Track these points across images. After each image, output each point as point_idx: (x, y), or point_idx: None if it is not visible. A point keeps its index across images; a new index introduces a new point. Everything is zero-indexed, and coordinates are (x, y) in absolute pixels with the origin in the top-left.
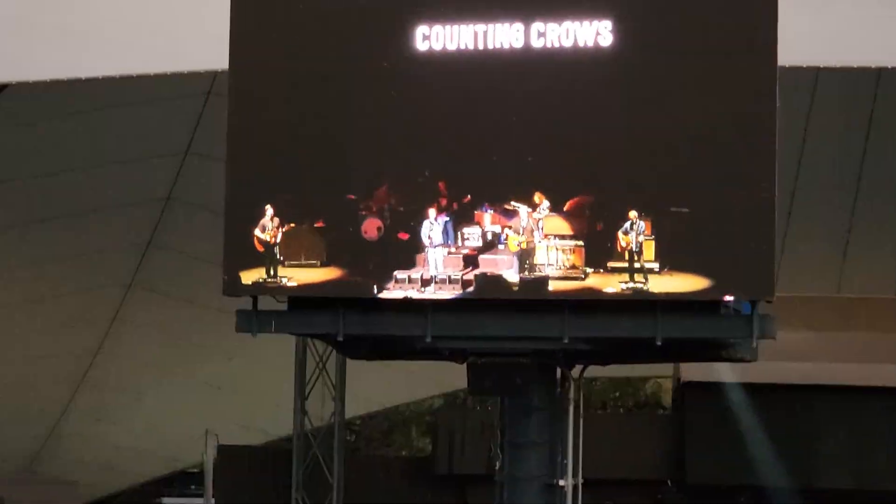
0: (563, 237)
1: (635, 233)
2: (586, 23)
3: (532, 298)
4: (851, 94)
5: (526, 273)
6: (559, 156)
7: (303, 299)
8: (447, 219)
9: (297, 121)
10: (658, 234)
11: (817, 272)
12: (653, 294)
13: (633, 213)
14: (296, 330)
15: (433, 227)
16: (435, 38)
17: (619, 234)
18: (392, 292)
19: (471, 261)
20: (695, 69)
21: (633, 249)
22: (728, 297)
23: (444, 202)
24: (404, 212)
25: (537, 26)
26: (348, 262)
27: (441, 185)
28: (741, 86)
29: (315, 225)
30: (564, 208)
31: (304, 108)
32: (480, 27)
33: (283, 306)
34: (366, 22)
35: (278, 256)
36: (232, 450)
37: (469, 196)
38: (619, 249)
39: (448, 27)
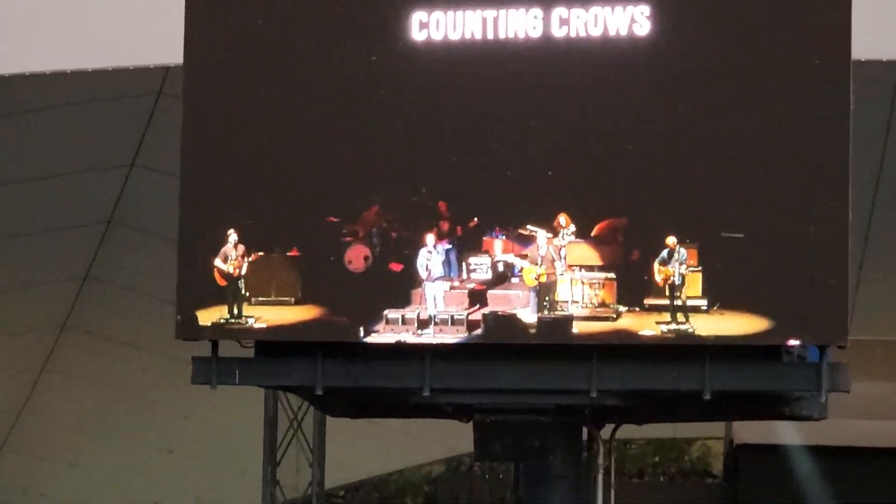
0: (590, 268)
1: (677, 262)
2: (619, 8)
3: (553, 343)
4: None
5: (545, 312)
6: (586, 169)
7: (274, 344)
8: (449, 246)
9: (266, 128)
10: (706, 264)
11: None
12: (700, 338)
13: (671, 240)
14: (265, 381)
15: (432, 256)
16: (434, 25)
17: (656, 264)
18: (382, 335)
19: (478, 297)
20: (751, 65)
21: (675, 283)
22: (792, 342)
23: (445, 226)
24: (397, 238)
25: (559, 12)
26: (329, 298)
27: (442, 205)
28: (807, 85)
29: (288, 254)
30: (592, 233)
31: (274, 112)
32: (490, 13)
33: (250, 352)
34: (350, 7)
35: (243, 292)
36: None
37: (476, 219)
38: (658, 283)
39: (450, 13)
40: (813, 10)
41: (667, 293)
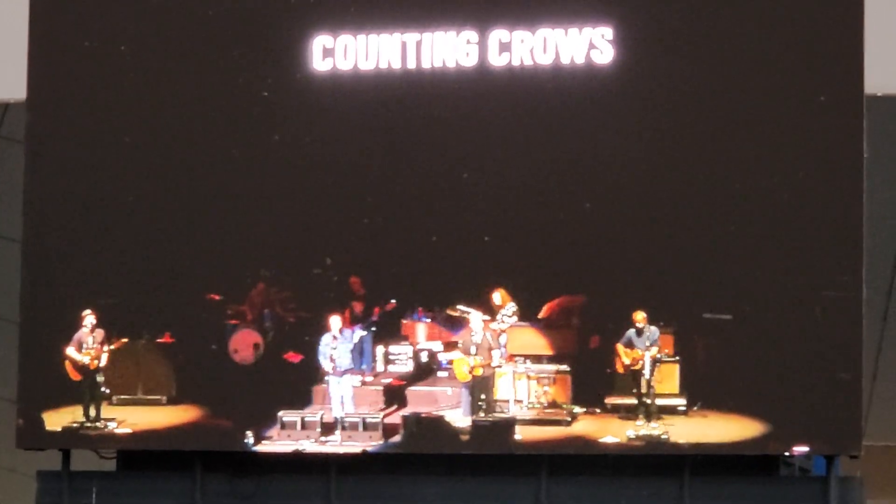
0: (538, 359)
1: (647, 342)
2: (574, 31)
3: (491, 453)
4: None
5: (481, 414)
6: (531, 233)
7: (141, 454)
8: (362, 332)
9: (130, 183)
10: (684, 353)
11: None
12: (677, 446)
13: (640, 315)
14: (130, 502)
15: (338, 343)
16: (341, 52)
17: (620, 346)
18: (276, 443)
19: (396, 395)
20: (743, 100)
21: (644, 372)
22: (795, 450)
23: (357, 307)
24: (295, 321)
25: (498, 35)
26: (210, 397)
27: (353, 280)
28: (813, 125)
29: (159, 340)
30: (540, 315)
31: (139, 163)
32: (411, 37)
33: (112, 465)
34: (235, 32)
35: (103, 389)
36: None
37: (394, 299)
38: (621, 370)
39: (361, 37)
40: (820, 40)
41: (634, 388)
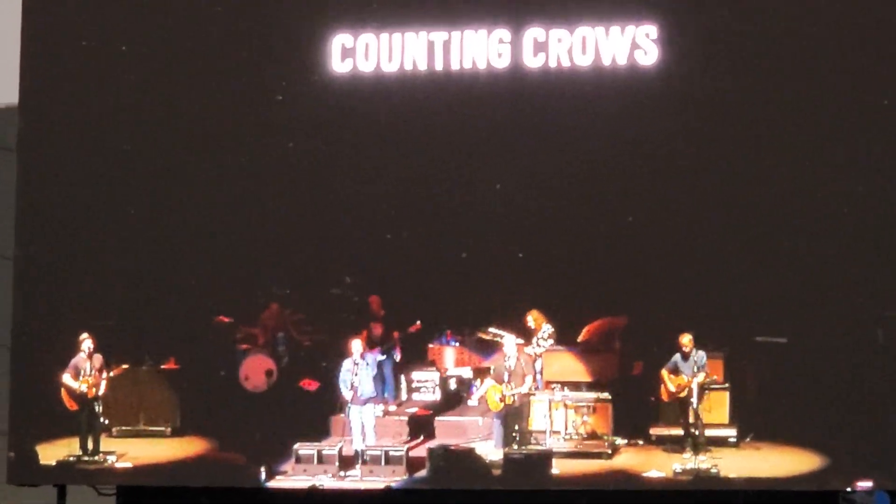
0: (576, 386)
1: (694, 367)
2: (615, 29)
3: (525, 489)
4: None
5: (515, 447)
6: (569, 249)
7: (142, 491)
8: (382, 356)
9: (131, 195)
10: (734, 380)
11: None
12: (728, 481)
13: (686, 338)
14: None
15: (360, 369)
16: (363, 53)
17: (664, 372)
18: (291, 479)
19: (422, 426)
20: (799, 108)
21: (692, 402)
22: (857, 485)
23: (377, 330)
24: (311, 345)
25: (533, 34)
26: (218, 428)
27: (374, 300)
28: (876, 136)
29: (163, 367)
30: (579, 338)
31: (142, 174)
32: (439, 35)
33: (111, 501)
34: (247, 30)
35: (101, 419)
36: None
37: (419, 320)
38: (665, 398)
39: (384, 35)
40: (883, 38)
41: (681, 418)
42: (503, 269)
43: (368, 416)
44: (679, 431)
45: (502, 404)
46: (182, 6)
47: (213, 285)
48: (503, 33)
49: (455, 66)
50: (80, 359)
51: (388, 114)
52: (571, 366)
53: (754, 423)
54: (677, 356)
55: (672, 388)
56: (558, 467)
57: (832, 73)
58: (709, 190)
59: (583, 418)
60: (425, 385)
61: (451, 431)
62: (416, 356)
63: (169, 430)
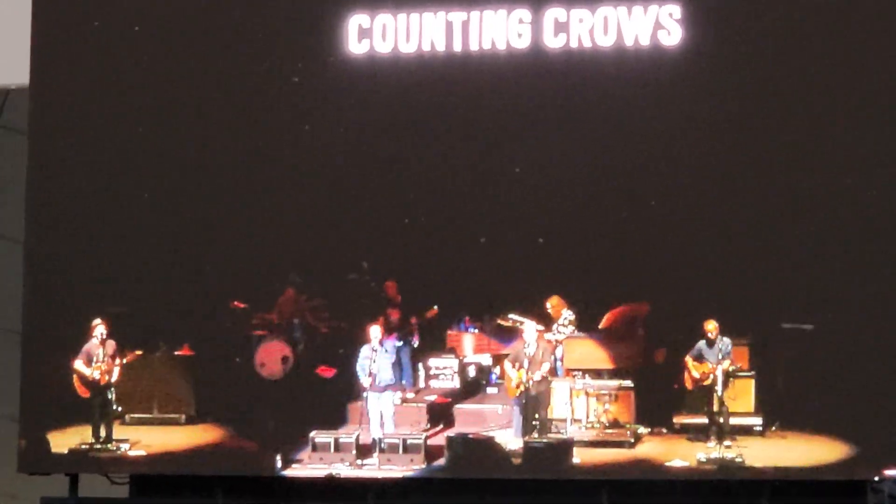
0: (598, 374)
1: (719, 354)
2: (638, 9)
3: (546, 478)
4: None
5: (535, 435)
6: (590, 234)
7: (156, 480)
8: (400, 343)
9: (144, 180)
10: (760, 368)
11: None
12: (753, 471)
13: (711, 325)
14: None
15: (378, 356)
16: (380, 33)
17: (689, 359)
18: (307, 467)
19: (441, 413)
20: (825, 90)
21: (717, 390)
22: (886, 474)
23: (395, 316)
24: (328, 331)
25: (554, 13)
26: (233, 416)
27: (390, 286)
28: None
29: (177, 353)
30: (601, 325)
31: (155, 157)
32: (457, 16)
33: (124, 490)
34: (260, 10)
35: (115, 406)
36: None
37: (436, 306)
38: (689, 386)
39: (402, 16)
40: None
41: (705, 406)
42: (523, 255)
43: (387, 404)
44: (703, 420)
45: (522, 391)
46: None
47: (228, 271)
48: (523, 13)
49: (474, 47)
50: (93, 345)
51: (405, 95)
52: (593, 353)
53: (780, 412)
54: (702, 343)
55: (696, 376)
56: (579, 456)
57: (866, 52)
58: (734, 174)
59: (604, 406)
60: (443, 372)
61: (470, 419)
62: (435, 343)
63: (183, 417)
